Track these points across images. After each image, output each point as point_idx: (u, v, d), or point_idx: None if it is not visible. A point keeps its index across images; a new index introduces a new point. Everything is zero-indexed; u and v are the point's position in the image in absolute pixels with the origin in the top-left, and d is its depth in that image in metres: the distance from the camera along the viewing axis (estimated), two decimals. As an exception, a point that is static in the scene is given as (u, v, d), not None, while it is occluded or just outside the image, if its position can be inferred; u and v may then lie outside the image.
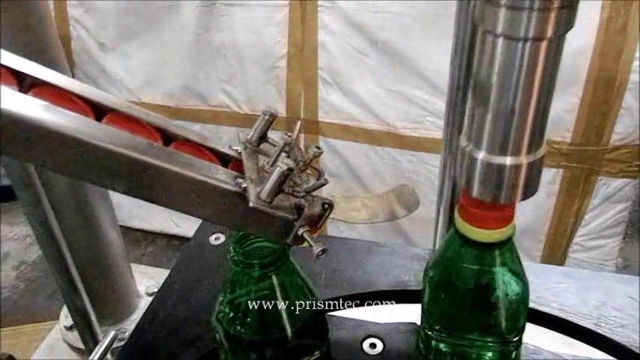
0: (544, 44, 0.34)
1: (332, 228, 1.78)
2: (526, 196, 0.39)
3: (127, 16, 1.67)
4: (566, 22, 0.34)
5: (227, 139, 1.76)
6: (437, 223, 0.65)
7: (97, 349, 0.58)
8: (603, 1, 1.30)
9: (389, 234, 1.72)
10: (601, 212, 1.55)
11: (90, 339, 0.81)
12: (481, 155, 0.38)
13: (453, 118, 0.57)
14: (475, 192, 0.40)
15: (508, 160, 0.38)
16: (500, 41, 0.34)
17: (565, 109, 1.43)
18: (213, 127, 1.77)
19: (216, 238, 0.62)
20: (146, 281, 1.04)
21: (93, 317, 0.77)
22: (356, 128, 1.62)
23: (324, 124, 1.65)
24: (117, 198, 1.64)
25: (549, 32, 0.33)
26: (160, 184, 0.35)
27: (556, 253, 1.63)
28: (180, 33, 1.65)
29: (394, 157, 1.62)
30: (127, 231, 1.93)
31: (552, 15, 0.33)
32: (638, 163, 1.46)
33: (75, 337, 0.95)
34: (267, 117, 0.41)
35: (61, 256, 0.69)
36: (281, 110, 1.65)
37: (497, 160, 0.38)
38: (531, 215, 1.61)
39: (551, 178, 1.54)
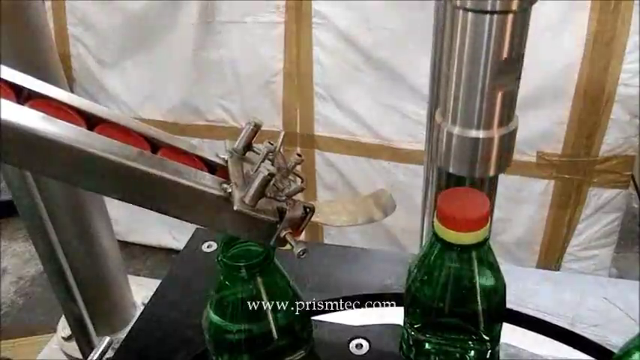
0: (510, 17, 0.36)
1: (328, 240, 1.80)
2: (499, 169, 0.42)
3: (126, 33, 1.70)
4: None
5: (222, 151, 1.79)
6: (422, 229, 0.67)
7: (92, 354, 0.60)
8: (591, 14, 1.33)
9: (385, 245, 1.74)
10: (593, 222, 1.57)
11: (87, 348, 0.83)
12: (456, 130, 0.41)
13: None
14: (452, 167, 0.42)
15: (481, 134, 0.40)
16: (469, 15, 0.37)
17: (555, 121, 1.46)
18: (210, 141, 1.79)
19: (208, 246, 0.65)
20: (143, 292, 1.05)
21: (90, 326, 0.79)
22: (351, 142, 1.65)
23: (320, 138, 1.67)
24: (115, 213, 1.66)
25: (514, 6, 0.36)
26: (149, 189, 0.37)
27: (550, 263, 1.65)
28: (177, 50, 1.68)
29: (389, 169, 1.65)
30: (125, 246, 1.94)
31: None
32: (628, 173, 1.48)
33: (72, 348, 0.96)
34: (251, 127, 0.43)
35: (59, 266, 0.71)
36: (277, 125, 1.68)
37: (471, 133, 0.40)
38: (525, 227, 1.62)
39: (543, 189, 1.57)
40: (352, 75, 1.57)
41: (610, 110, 1.41)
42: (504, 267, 0.55)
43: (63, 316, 1.01)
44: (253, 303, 0.44)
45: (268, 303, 0.44)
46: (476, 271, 0.45)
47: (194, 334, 0.54)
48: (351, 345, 0.54)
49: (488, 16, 0.36)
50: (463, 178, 0.52)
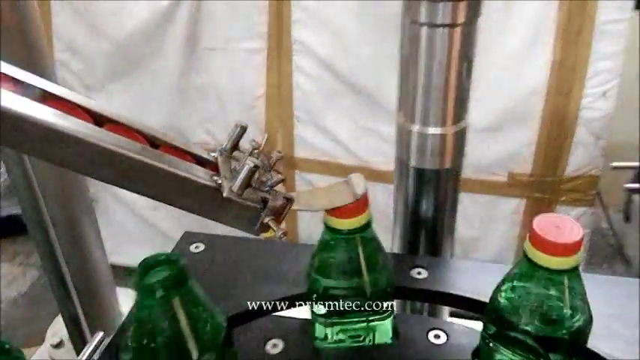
0: (458, 30, 0.43)
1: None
2: (454, 162, 0.48)
3: (112, 59, 1.75)
4: (474, 11, 0.43)
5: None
6: (392, 238, 0.73)
7: (84, 350, 0.64)
8: (555, 43, 1.42)
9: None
10: (562, 240, 1.64)
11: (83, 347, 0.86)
12: (415, 128, 0.47)
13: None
14: (413, 161, 0.48)
15: (438, 130, 0.46)
16: (424, 29, 0.43)
17: (524, 143, 1.54)
18: (194, 164, 1.84)
19: (195, 247, 0.70)
20: (131, 302, 1.08)
21: (85, 324, 0.82)
22: (330, 163, 1.71)
23: (300, 160, 1.73)
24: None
25: (461, 19, 0.42)
26: (149, 179, 0.43)
27: (522, 280, 1.71)
28: (162, 75, 1.73)
29: (368, 189, 1.70)
30: (108, 267, 1.96)
31: (462, 5, 0.42)
32: (593, 192, 1.56)
33: (61, 354, 0.99)
34: (238, 129, 0.49)
35: (59, 269, 0.75)
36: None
37: (428, 130, 0.46)
38: (497, 245, 1.69)
39: (514, 208, 1.64)
40: (331, 99, 1.64)
41: (574, 132, 1.50)
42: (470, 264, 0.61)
43: (52, 323, 1.04)
44: (350, 263, 0.51)
45: (364, 263, 0.51)
46: (565, 297, 0.47)
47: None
48: (429, 335, 0.58)
49: (440, 29, 0.43)
50: (429, 178, 0.58)
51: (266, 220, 0.46)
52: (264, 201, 0.47)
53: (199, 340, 0.44)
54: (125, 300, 1.12)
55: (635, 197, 1.34)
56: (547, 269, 0.46)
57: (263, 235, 0.48)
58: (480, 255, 1.68)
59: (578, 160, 1.53)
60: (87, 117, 0.41)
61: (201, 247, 0.69)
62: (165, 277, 0.42)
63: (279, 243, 0.71)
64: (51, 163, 0.39)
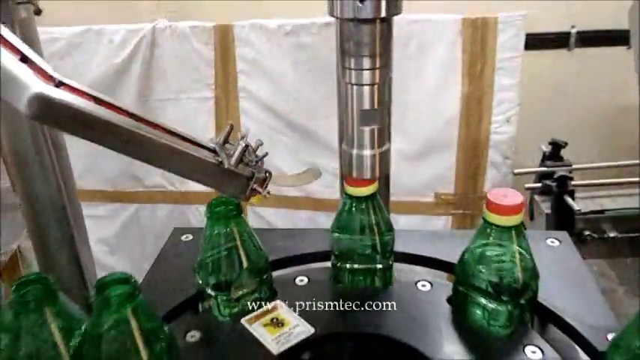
0: (376, 86, 0.64)
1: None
2: (382, 172, 0.68)
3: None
4: (386, 74, 0.63)
5: (162, 214, 1.96)
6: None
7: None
8: (463, 79, 1.68)
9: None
10: (486, 250, 1.85)
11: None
12: (354, 151, 0.66)
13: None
14: (355, 174, 0.67)
15: (369, 152, 0.66)
16: (354, 87, 0.64)
17: (446, 166, 1.76)
18: (149, 206, 1.96)
19: (186, 237, 0.86)
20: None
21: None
22: (277, 196, 1.86)
23: (250, 195, 1.89)
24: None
25: (377, 80, 0.63)
26: (170, 157, 0.60)
27: (456, 289, 1.91)
28: (118, 124, 1.86)
29: (313, 218, 1.88)
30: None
31: (378, 72, 0.63)
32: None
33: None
34: (228, 127, 0.67)
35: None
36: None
37: (363, 152, 0.66)
38: (432, 259, 1.89)
39: (443, 224, 1.85)
40: (275, 138, 1.81)
41: (487, 154, 1.74)
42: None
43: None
44: (364, 222, 0.73)
45: (374, 221, 0.72)
46: (514, 252, 0.66)
47: (184, 285, 0.74)
48: (418, 284, 0.77)
49: (364, 87, 0.64)
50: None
51: (254, 186, 0.64)
52: (252, 173, 0.64)
53: (249, 255, 0.67)
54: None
55: (537, 198, 1.58)
56: (498, 226, 0.65)
57: (252, 200, 0.66)
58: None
59: (493, 177, 1.76)
60: (127, 115, 0.58)
61: (190, 237, 0.86)
62: (226, 209, 0.67)
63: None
64: (104, 147, 0.55)
